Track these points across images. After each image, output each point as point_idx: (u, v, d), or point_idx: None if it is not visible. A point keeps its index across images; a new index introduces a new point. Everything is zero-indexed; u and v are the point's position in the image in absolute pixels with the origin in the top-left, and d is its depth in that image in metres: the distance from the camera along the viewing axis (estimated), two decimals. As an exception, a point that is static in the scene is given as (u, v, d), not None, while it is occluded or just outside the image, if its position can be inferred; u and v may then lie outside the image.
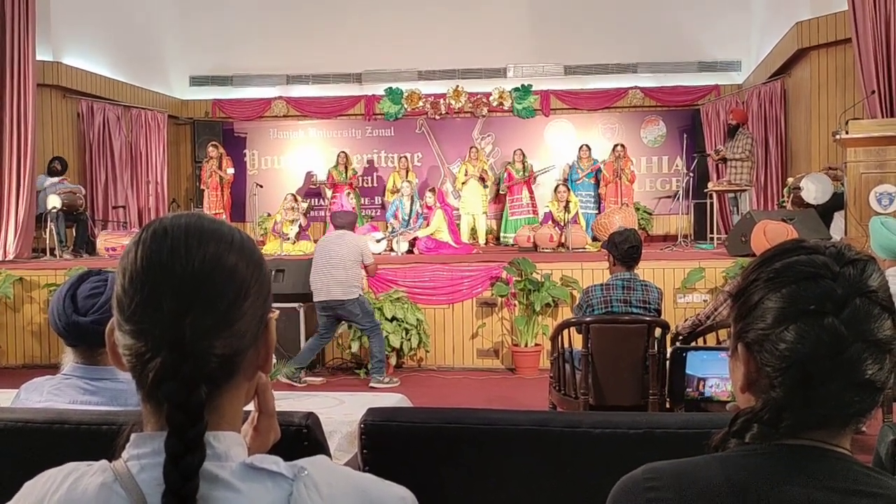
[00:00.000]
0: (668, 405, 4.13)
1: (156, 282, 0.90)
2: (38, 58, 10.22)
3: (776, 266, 0.99)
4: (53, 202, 9.40)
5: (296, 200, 10.61)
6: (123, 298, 0.92)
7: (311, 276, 6.76)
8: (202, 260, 0.92)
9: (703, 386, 1.04)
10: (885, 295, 0.96)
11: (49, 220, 9.43)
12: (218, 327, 0.91)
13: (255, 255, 0.98)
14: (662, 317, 4.27)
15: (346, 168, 12.03)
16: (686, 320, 4.27)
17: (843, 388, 0.94)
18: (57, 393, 1.95)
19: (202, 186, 11.77)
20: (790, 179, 9.03)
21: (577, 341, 4.29)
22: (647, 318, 4.11)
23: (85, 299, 1.96)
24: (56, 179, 9.72)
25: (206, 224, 0.96)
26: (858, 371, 0.93)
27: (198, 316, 0.89)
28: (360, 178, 12.90)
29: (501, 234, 12.00)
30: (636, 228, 9.78)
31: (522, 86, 13.11)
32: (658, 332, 4.10)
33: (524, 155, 11.96)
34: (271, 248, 10.02)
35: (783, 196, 9.18)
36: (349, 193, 11.35)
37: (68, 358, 2.02)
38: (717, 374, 1.00)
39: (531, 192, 11.86)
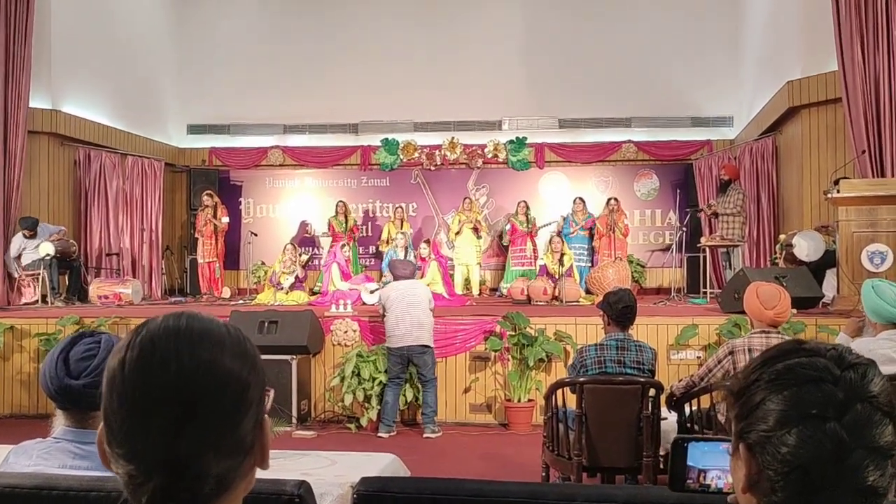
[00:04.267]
0: (661, 466, 4.11)
1: (145, 400, 0.84)
2: (37, 106, 10.30)
3: (778, 367, 0.99)
4: (47, 249, 9.36)
5: (296, 251, 10.58)
6: (112, 418, 0.86)
7: (392, 323, 6.88)
8: (194, 370, 0.86)
9: (704, 477, 1.03)
10: (885, 400, 0.96)
11: (42, 267, 9.40)
12: (216, 443, 0.86)
13: (251, 352, 0.93)
14: (656, 376, 4.27)
15: (346, 217, 11.97)
16: (681, 381, 4.26)
17: (844, 495, 0.93)
18: (46, 457, 1.91)
19: (196, 234, 11.76)
20: (782, 236, 9.06)
21: (571, 401, 4.27)
22: (642, 379, 4.10)
23: (77, 362, 1.93)
24: (35, 242, 9.60)
25: (195, 326, 0.90)
26: (860, 477, 0.93)
27: (194, 433, 0.84)
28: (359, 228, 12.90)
29: (502, 285, 11.92)
30: (630, 282, 9.82)
31: (517, 138, 13.23)
32: (652, 392, 4.09)
33: (528, 207, 11.94)
34: (265, 298, 9.98)
35: (775, 252, 9.22)
36: (343, 246, 11.24)
37: (59, 421, 1.99)
38: (718, 466, 0.99)
39: (534, 244, 11.84)
